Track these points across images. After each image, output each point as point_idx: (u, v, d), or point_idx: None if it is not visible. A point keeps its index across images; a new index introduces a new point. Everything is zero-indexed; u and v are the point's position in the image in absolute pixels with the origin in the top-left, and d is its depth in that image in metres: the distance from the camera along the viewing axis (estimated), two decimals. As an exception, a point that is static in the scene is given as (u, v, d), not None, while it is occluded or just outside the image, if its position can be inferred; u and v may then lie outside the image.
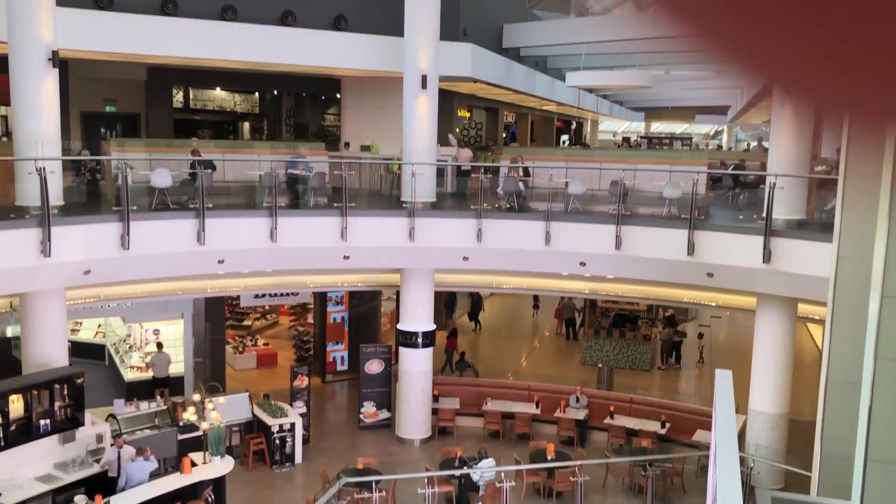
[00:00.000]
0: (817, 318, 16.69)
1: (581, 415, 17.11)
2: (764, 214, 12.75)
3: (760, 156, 21.97)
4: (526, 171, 15.93)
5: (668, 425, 16.59)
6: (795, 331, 14.68)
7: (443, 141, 18.09)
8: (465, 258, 15.10)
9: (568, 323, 26.90)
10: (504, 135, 33.81)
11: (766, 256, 12.45)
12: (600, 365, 21.34)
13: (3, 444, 12.13)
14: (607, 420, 16.91)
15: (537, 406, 17.52)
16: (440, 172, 16.55)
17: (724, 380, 7.54)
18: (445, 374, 20.58)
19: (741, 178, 17.27)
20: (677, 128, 64.43)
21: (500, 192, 15.49)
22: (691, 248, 13.13)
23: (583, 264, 14.64)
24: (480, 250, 14.61)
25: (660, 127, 67.10)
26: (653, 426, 16.61)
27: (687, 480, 14.63)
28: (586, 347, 24.06)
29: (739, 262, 12.94)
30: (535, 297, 28.94)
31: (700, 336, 24.71)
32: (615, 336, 24.01)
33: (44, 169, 11.58)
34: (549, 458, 14.27)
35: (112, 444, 13.22)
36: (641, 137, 54.68)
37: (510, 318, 30.99)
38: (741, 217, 15.12)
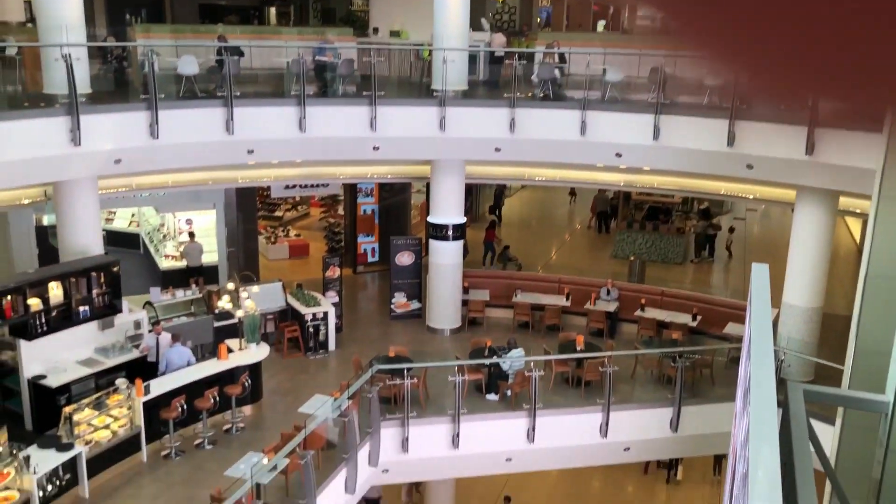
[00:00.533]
0: (858, 211, 16.30)
1: (611, 307, 17.15)
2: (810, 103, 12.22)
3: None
4: (562, 58, 15.36)
5: (699, 318, 16.59)
6: (835, 224, 14.35)
7: (475, 26, 17.43)
8: (498, 149, 14.80)
9: (601, 216, 26.67)
10: (539, 20, 32.62)
11: (810, 147, 12.01)
12: (632, 258, 21.24)
13: (45, 328, 12.50)
14: (638, 312, 16.94)
15: (567, 298, 17.57)
16: (472, 59, 16.02)
17: (760, 273, 7.40)
18: (487, 267, 20.64)
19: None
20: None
21: (535, 79, 14.99)
22: (732, 139, 12.71)
23: (619, 155, 14.28)
24: (513, 141, 14.29)
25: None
26: (683, 318, 16.63)
27: (716, 372, 14.72)
28: (619, 240, 23.92)
29: (781, 153, 12.52)
30: (572, 188, 28.64)
31: (731, 230, 24.39)
32: (648, 229, 23.81)
33: (70, 55, 11.39)
34: (578, 348, 14.40)
35: (150, 331, 13.55)
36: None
37: (541, 210, 30.80)
38: (783, 107, 14.53)
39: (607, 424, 13.38)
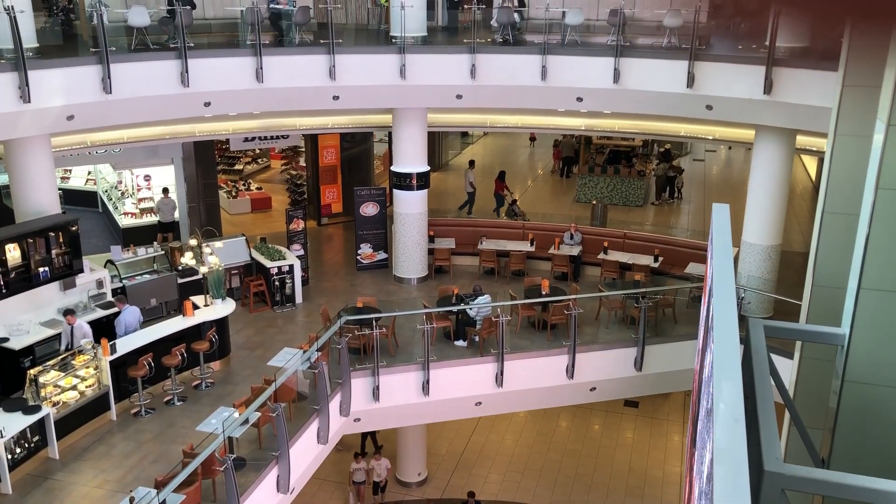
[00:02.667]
0: (815, 149, 16.58)
1: (575, 251, 17.33)
2: (766, 43, 12.29)
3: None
4: (521, 2, 15.19)
5: (660, 259, 16.86)
6: (792, 163, 14.58)
7: (432, -30, 17.12)
8: (459, 96, 14.69)
9: (565, 161, 26.74)
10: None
11: (768, 87, 12.13)
12: (594, 202, 21.39)
13: (4, 291, 12.29)
14: (601, 255, 17.15)
15: (532, 244, 17.71)
16: (430, 5, 15.77)
17: (720, 213, 7.53)
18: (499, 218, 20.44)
19: (744, 3, 16.52)
20: (678, -47, 61.35)
21: (495, 23, 14.84)
22: (691, 80, 12.78)
23: (580, 99, 14.28)
24: (474, 87, 14.18)
25: (659, -48, 63.84)
26: (645, 260, 16.89)
27: (678, 311, 15.04)
28: (581, 185, 24.06)
29: (740, 93, 12.62)
30: (532, 134, 28.57)
31: (680, 171, 24.68)
32: (609, 173, 23.96)
33: (13, 8, 10.98)
34: (543, 293, 14.58)
35: (64, 319, 12.49)
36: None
37: (504, 156, 30.75)
38: (741, 47, 14.60)
39: (573, 366, 13.64)
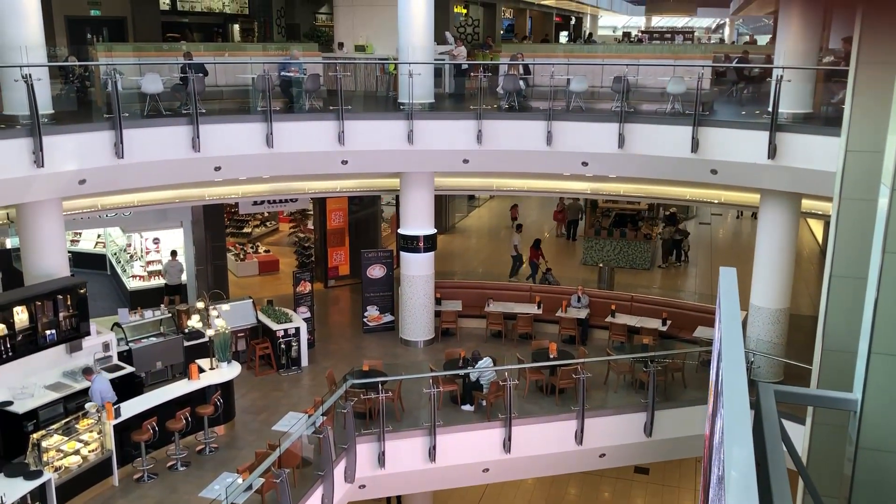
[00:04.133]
0: (821, 213, 16.63)
1: (582, 314, 17.27)
2: (770, 109, 12.47)
3: (765, 48, 21.39)
4: (526, 69, 15.50)
5: (668, 322, 16.77)
6: (798, 226, 14.62)
7: (440, 39, 17.54)
8: (466, 160, 14.87)
9: (570, 224, 26.89)
10: (501, 31, 32.89)
11: (772, 152, 12.24)
12: (601, 265, 21.42)
13: (10, 354, 12.26)
14: (608, 318, 17.07)
15: (539, 306, 17.66)
16: (438, 72, 16.10)
17: (727, 276, 7.53)
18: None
19: (746, 71, 16.82)
20: (678, 21, 62.89)
21: (500, 91, 15.11)
22: (695, 145, 12.92)
23: (585, 164, 14.43)
24: (481, 152, 14.37)
25: (661, 21, 65.48)
26: (654, 323, 16.80)
27: (688, 375, 14.88)
28: (587, 248, 24.12)
29: (744, 157, 12.74)
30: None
31: (686, 235, 24.77)
32: (616, 236, 24.04)
33: (30, 76, 11.24)
34: (551, 356, 14.47)
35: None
36: (642, 32, 53.28)
37: (509, 219, 30.93)
38: (745, 112, 14.81)
39: (582, 431, 13.45)
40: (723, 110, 14.84)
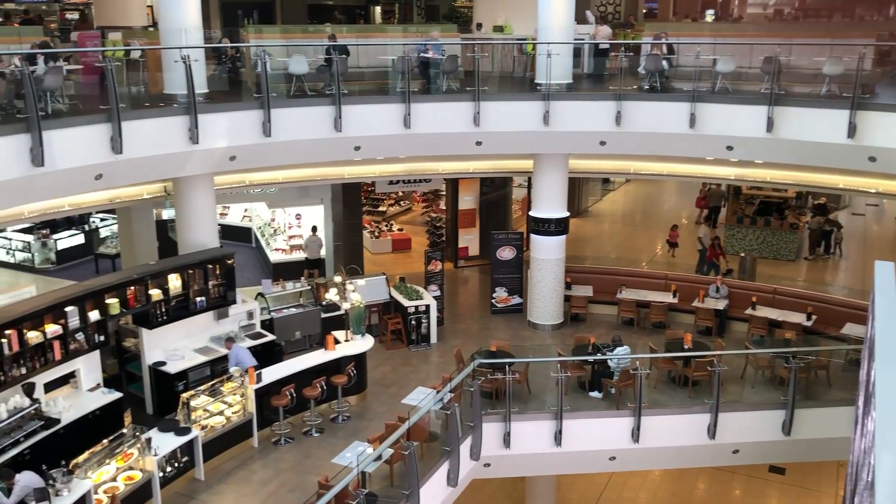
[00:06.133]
0: None
1: (721, 305, 16.62)
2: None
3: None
4: (670, 49, 14.96)
5: (814, 317, 15.87)
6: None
7: (580, 19, 17.20)
8: (603, 142, 14.57)
9: (712, 211, 25.88)
10: (643, 10, 31.88)
11: (941, 138, 11.28)
12: (742, 254, 20.50)
13: (165, 318, 13.16)
14: (748, 311, 16.35)
15: (674, 295, 17.14)
16: (576, 53, 15.81)
17: (884, 271, 7.05)
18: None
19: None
20: (838, -3, 58.72)
21: (642, 71, 14.67)
22: (852, 130, 12.07)
23: (730, 148, 13.80)
24: (619, 134, 14.03)
25: (818, -4, 61.36)
26: (797, 318, 15.94)
27: (833, 374, 14.04)
28: (728, 236, 23.15)
29: (908, 144, 11.79)
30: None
31: (838, 226, 23.22)
32: (759, 224, 22.94)
33: (188, 57, 11.92)
34: (685, 347, 14.03)
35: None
36: (796, 9, 50.13)
37: (646, 204, 30.16)
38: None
39: (715, 425, 12.98)
40: (886, 93, 13.77)
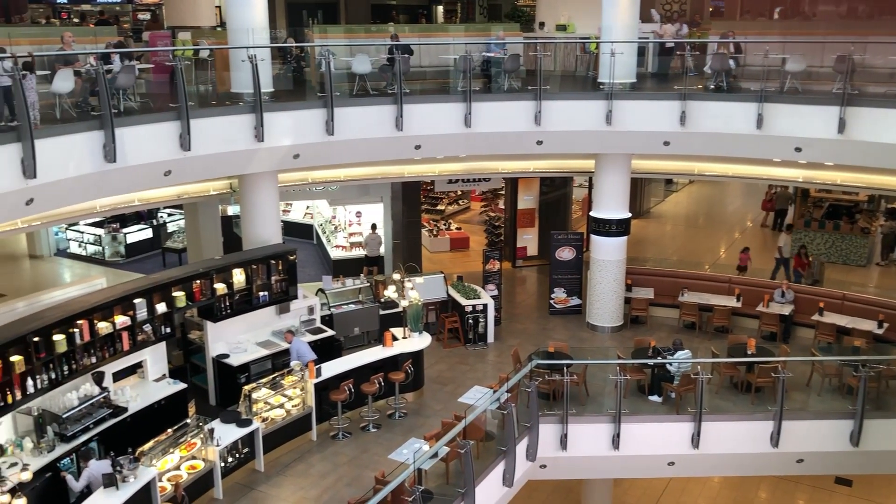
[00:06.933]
0: None
1: (786, 310, 16.19)
2: None
3: None
4: (737, 48, 14.63)
5: (885, 325, 15.33)
6: None
7: (645, 17, 16.96)
8: (667, 143, 14.34)
9: (778, 214, 25.22)
10: (710, 8, 31.23)
11: None
12: (810, 259, 19.92)
13: (229, 311, 13.45)
14: (815, 317, 15.89)
15: (738, 299, 16.77)
16: (641, 52, 15.60)
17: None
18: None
19: None
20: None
21: (708, 70, 14.39)
22: (931, 131, 11.63)
23: (798, 150, 13.43)
24: (683, 134, 13.79)
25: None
26: (867, 325, 15.43)
27: (905, 385, 13.56)
28: (795, 239, 22.53)
29: None
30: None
31: None
32: (828, 228, 22.27)
33: (255, 56, 12.15)
34: (749, 352, 13.71)
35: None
36: (871, 6, 48.44)
37: (709, 206, 29.57)
38: None
39: (779, 433, 12.64)
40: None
